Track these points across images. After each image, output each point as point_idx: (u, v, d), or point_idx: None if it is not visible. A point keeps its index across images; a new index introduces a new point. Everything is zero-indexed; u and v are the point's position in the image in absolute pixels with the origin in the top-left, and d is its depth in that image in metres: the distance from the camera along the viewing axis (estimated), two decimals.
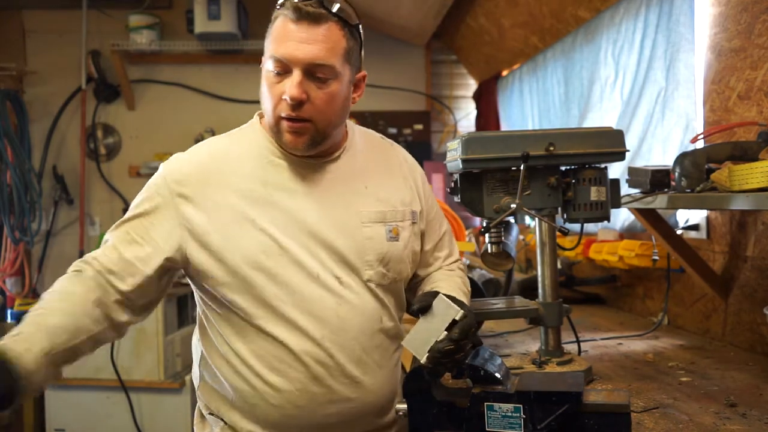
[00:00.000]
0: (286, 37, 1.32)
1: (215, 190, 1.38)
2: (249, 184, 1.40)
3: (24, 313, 1.25)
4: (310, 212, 1.40)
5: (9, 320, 4.25)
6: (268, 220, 1.37)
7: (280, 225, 1.38)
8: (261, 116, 1.49)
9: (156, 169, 1.46)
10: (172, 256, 1.37)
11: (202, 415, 1.55)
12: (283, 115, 1.34)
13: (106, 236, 1.40)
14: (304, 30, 1.31)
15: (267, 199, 1.39)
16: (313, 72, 1.33)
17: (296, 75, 1.31)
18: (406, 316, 1.65)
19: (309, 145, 1.38)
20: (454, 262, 1.65)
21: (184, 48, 4.64)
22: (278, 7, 1.36)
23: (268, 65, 1.36)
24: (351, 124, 1.55)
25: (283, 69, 1.33)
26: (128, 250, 1.35)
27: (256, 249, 1.36)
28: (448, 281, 1.54)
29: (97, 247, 1.38)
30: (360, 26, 1.41)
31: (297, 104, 1.32)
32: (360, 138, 1.55)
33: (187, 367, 3.47)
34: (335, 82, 1.35)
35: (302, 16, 1.31)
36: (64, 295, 1.31)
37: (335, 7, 1.33)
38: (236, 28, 4.40)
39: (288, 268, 1.37)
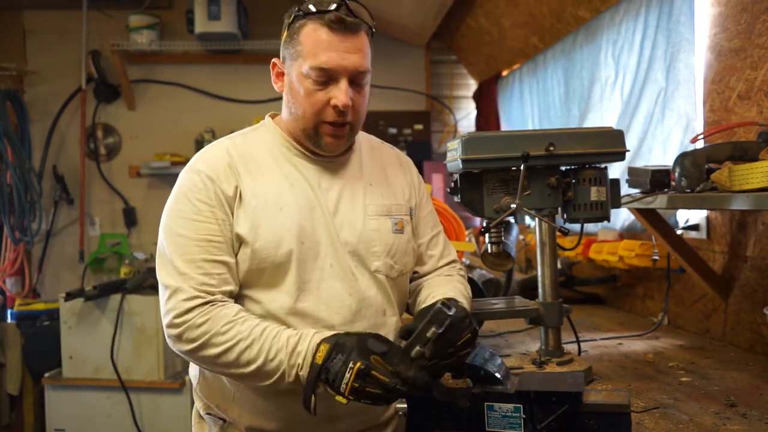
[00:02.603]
0: (328, 47, 1.36)
1: (245, 181, 1.41)
2: (272, 176, 1.43)
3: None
4: (324, 206, 1.44)
5: (9, 320, 4.25)
6: (289, 211, 1.40)
7: (299, 217, 1.41)
8: (273, 116, 1.54)
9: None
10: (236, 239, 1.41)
11: (200, 416, 1.55)
12: (328, 120, 1.40)
13: (169, 249, 1.36)
14: (347, 40, 1.37)
15: (287, 191, 1.43)
16: (355, 79, 1.39)
17: (344, 83, 1.38)
18: (405, 315, 1.65)
19: (346, 145, 1.48)
20: (450, 263, 1.66)
21: (184, 48, 4.65)
22: (301, 14, 1.39)
23: (308, 73, 1.38)
24: None
25: (327, 77, 1.37)
26: (215, 266, 1.36)
27: (280, 238, 1.38)
28: (447, 286, 1.55)
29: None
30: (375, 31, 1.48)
31: (346, 111, 1.39)
32: (363, 141, 1.61)
33: (188, 367, 3.47)
34: (367, 85, 1.44)
35: (345, 27, 1.36)
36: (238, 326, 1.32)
37: (366, 17, 1.41)
38: (236, 28, 4.40)
39: (306, 258, 1.40)
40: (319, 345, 1.27)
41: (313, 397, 1.25)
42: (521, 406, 1.22)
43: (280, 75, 1.48)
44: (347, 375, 1.22)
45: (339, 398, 1.24)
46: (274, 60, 1.49)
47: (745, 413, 1.40)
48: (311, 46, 1.37)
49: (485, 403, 1.24)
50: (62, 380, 3.67)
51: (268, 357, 1.28)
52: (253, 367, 1.29)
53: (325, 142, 1.43)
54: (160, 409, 3.63)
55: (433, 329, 1.23)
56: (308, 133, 1.43)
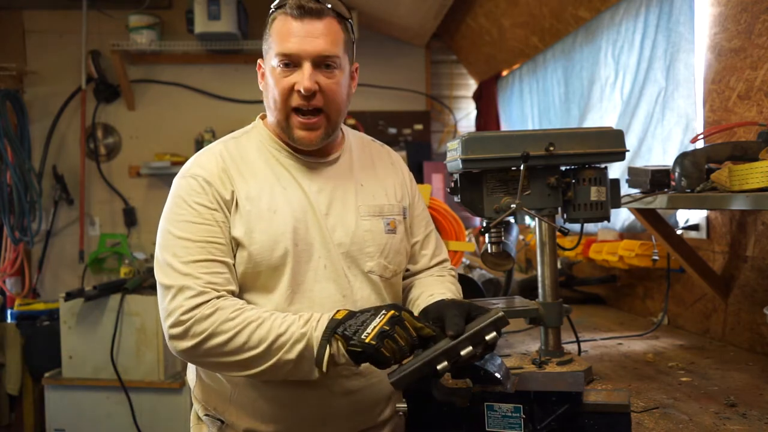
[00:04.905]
0: (291, 34, 1.37)
1: (239, 185, 1.41)
2: (264, 179, 1.43)
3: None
4: (316, 208, 1.44)
5: (9, 320, 4.25)
6: (282, 213, 1.40)
7: (293, 219, 1.41)
8: (262, 118, 1.54)
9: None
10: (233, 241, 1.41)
11: (198, 418, 1.55)
12: (295, 105, 1.39)
13: (170, 253, 1.35)
14: (308, 25, 1.37)
15: (280, 194, 1.42)
16: (321, 63, 1.39)
17: (307, 67, 1.37)
18: None
19: (323, 139, 1.44)
20: (442, 262, 1.67)
21: (184, 48, 4.64)
22: (274, 9, 1.42)
23: (273, 62, 1.40)
24: (345, 128, 1.62)
25: (291, 63, 1.38)
26: (218, 266, 1.35)
27: (275, 241, 1.38)
28: (441, 287, 1.55)
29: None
30: (352, 22, 1.48)
31: (311, 95, 1.38)
32: (353, 139, 1.61)
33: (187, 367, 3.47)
34: (339, 72, 1.42)
35: (305, 12, 1.37)
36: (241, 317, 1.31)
37: (335, 3, 1.41)
38: (236, 28, 4.40)
39: (300, 261, 1.40)
40: (337, 311, 1.28)
41: (326, 352, 1.24)
42: (521, 406, 1.22)
43: (264, 75, 1.48)
44: (378, 319, 1.22)
45: (351, 348, 1.22)
46: (259, 61, 1.49)
47: (745, 413, 1.40)
48: (279, 37, 1.39)
49: (485, 403, 1.24)
50: (62, 380, 3.66)
51: (280, 331, 1.27)
52: (264, 345, 1.27)
53: (297, 136, 1.42)
54: (160, 409, 3.63)
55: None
56: (282, 126, 1.43)
